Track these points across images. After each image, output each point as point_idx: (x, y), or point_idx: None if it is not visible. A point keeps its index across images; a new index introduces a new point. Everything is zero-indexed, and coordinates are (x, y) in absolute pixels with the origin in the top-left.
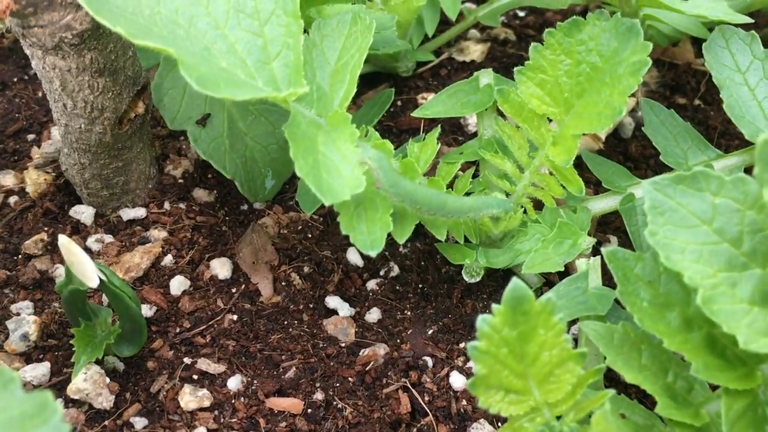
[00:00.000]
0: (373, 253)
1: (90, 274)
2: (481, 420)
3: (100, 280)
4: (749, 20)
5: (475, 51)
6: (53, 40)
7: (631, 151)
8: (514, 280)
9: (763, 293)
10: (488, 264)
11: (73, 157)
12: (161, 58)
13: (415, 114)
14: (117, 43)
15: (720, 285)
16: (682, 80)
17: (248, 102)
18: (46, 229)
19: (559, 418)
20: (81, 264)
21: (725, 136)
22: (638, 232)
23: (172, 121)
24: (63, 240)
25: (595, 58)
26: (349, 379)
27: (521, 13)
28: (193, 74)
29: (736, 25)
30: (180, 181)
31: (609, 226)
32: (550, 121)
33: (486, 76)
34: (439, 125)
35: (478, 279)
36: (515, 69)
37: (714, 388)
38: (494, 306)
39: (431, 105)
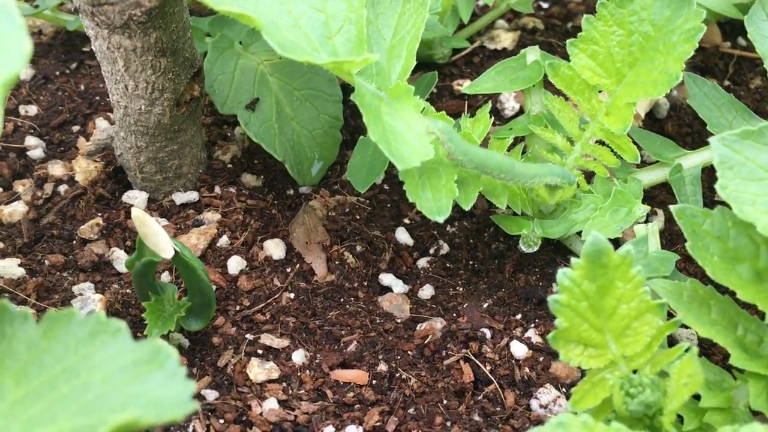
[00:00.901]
0: (440, 219)
1: (165, 245)
2: (547, 385)
3: (174, 251)
4: None
5: (506, 39)
6: (122, 17)
7: (667, 130)
8: (593, 234)
9: None
10: (544, 234)
11: (130, 141)
12: (210, 45)
13: (465, 91)
14: (179, 23)
15: None
16: (710, 62)
17: (293, 87)
18: (100, 214)
19: (635, 372)
20: (155, 235)
21: (757, 115)
22: (688, 200)
23: (223, 105)
24: (137, 212)
25: (648, 27)
26: (409, 352)
27: (545, 5)
28: (275, 39)
29: None
30: (229, 165)
31: (654, 200)
32: (600, 92)
33: (533, 53)
34: (483, 106)
35: (535, 249)
36: (568, 41)
37: None
38: (573, 260)
39: (480, 82)
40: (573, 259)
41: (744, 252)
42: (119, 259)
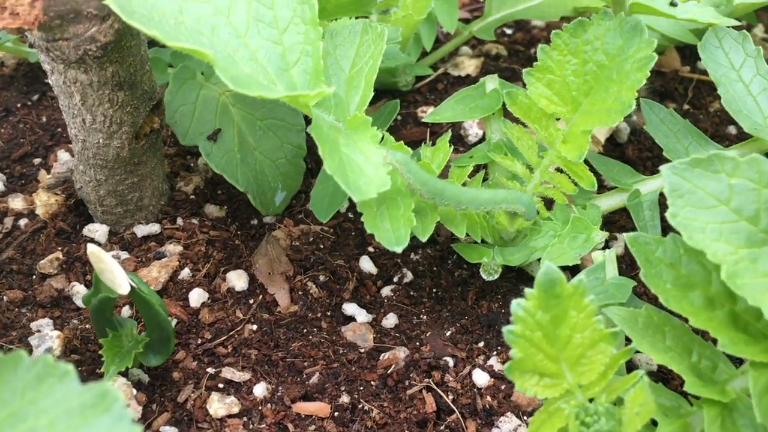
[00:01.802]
0: (398, 249)
1: (120, 281)
2: (508, 414)
3: (131, 286)
4: (737, 23)
5: (469, 65)
6: (77, 52)
7: (628, 155)
8: (546, 264)
9: None
10: (505, 261)
11: (89, 174)
12: (171, 76)
13: (426, 119)
14: (136, 57)
15: (742, 260)
16: (670, 87)
17: (256, 117)
18: (60, 248)
19: (591, 401)
20: (111, 271)
21: (715, 138)
22: (646, 226)
23: (184, 137)
24: (92, 248)
25: (601, 56)
26: (372, 382)
27: (509, 31)
28: (228, 74)
29: None
30: (192, 197)
31: (614, 225)
32: (558, 119)
33: (492, 82)
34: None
35: (496, 276)
36: (524, 71)
37: (737, 365)
38: (527, 290)
39: (440, 111)
40: (526, 290)
41: (696, 279)
42: (79, 293)
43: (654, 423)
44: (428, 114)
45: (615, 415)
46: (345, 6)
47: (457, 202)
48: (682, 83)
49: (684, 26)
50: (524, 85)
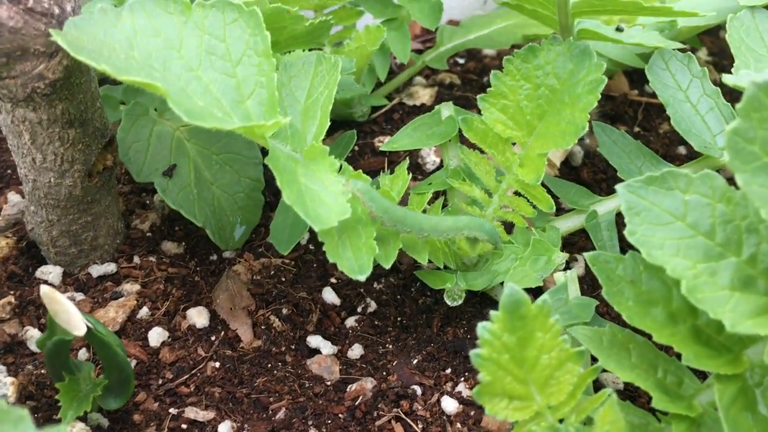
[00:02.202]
0: (362, 278)
1: (77, 322)
2: None
3: (87, 327)
4: (681, 45)
5: (424, 95)
6: (25, 90)
7: (583, 177)
8: (510, 286)
9: (741, 279)
10: (468, 286)
11: (41, 214)
12: (124, 113)
13: (383, 148)
14: (86, 93)
15: (701, 275)
16: (620, 110)
17: (212, 151)
18: (12, 292)
19: (561, 421)
20: (66, 312)
21: (666, 158)
22: (605, 246)
23: (139, 174)
24: (46, 290)
25: (553, 80)
26: (340, 415)
27: (461, 60)
28: (182, 107)
29: None
30: (148, 234)
31: (574, 246)
32: (514, 144)
33: (447, 109)
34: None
35: (460, 302)
36: (478, 97)
37: (701, 380)
38: (492, 312)
39: (397, 139)
40: (492, 312)
41: (657, 295)
42: (33, 338)
43: None
44: (386, 143)
45: None
46: (298, 38)
47: (419, 229)
48: (631, 106)
49: (631, 51)
50: (479, 112)
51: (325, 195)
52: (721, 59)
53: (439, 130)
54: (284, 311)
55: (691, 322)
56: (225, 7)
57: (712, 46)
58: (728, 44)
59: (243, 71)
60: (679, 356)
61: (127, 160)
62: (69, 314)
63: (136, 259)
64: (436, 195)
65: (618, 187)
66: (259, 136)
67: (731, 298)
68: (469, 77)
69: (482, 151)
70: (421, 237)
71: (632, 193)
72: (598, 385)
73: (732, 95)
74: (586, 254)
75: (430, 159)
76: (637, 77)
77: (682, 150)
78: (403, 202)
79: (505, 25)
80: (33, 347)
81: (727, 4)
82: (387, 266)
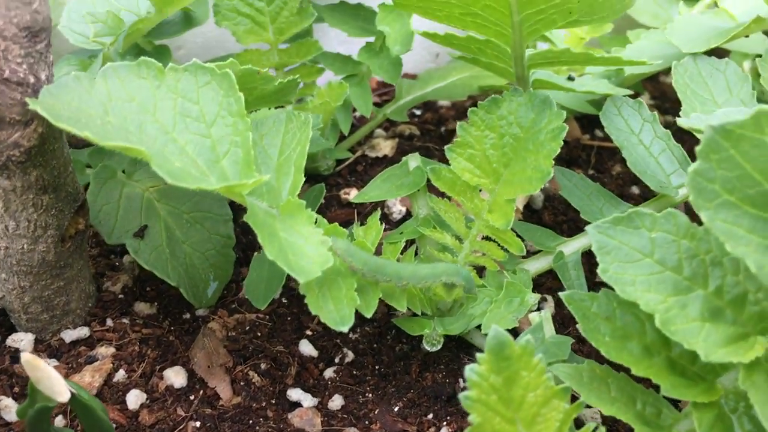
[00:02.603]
0: (344, 329)
1: (60, 389)
2: None
3: (71, 393)
4: (629, 92)
5: (385, 147)
6: (0, 159)
7: (545, 219)
8: (494, 328)
9: (710, 310)
10: (445, 331)
11: (12, 282)
12: (91, 176)
13: (355, 200)
14: (59, 159)
15: (672, 308)
16: (574, 154)
17: (182, 210)
18: None
19: None
20: (48, 379)
21: (622, 198)
22: (573, 284)
23: (110, 236)
24: (27, 357)
25: (516, 129)
26: None
27: (417, 112)
28: (164, 169)
29: None
30: (120, 296)
31: (543, 287)
32: (482, 191)
33: (414, 160)
34: (373, 213)
35: (439, 347)
36: (446, 147)
37: (678, 410)
38: (478, 354)
39: (368, 191)
40: (478, 354)
41: (631, 330)
42: (8, 407)
43: None
44: (357, 195)
45: None
46: (266, 97)
47: (398, 278)
48: (584, 150)
49: (581, 98)
50: (441, 160)
51: (306, 247)
52: (663, 102)
53: (408, 181)
54: (262, 366)
55: (665, 353)
56: (197, 71)
57: (654, 91)
58: (671, 89)
59: (217, 132)
60: (655, 388)
61: (97, 222)
62: (52, 380)
63: (109, 322)
64: (407, 244)
65: (588, 228)
66: (237, 195)
67: (702, 329)
68: (427, 128)
69: (450, 199)
70: (399, 286)
71: (602, 233)
72: (578, 423)
73: (678, 137)
74: (561, 294)
75: (396, 209)
76: (587, 122)
77: (635, 190)
78: (377, 252)
79: (460, 77)
80: (8, 417)
81: (670, 51)
82: (368, 315)
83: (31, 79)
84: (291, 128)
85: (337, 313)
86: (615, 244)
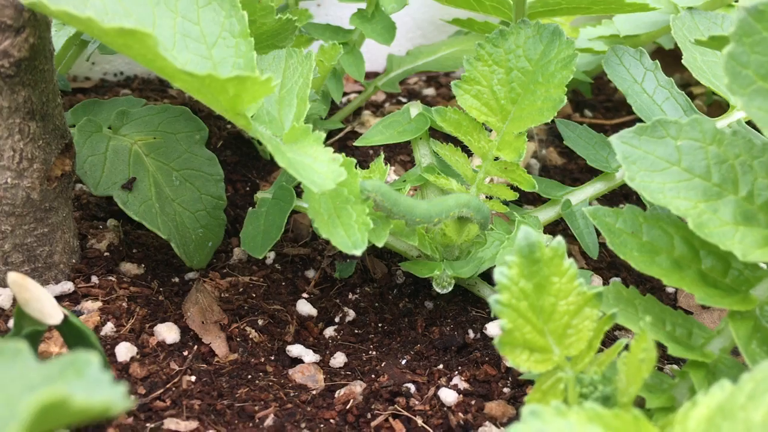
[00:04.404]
0: (357, 252)
1: (51, 310)
2: (486, 423)
3: (63, 315)
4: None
5: (374, 123)
6: None
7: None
8: (524, 229)
9: (742, 214)
10: (455, 274)
11: None
12: (76, 130)
13: (357, 143)
14: (48, 83)
15: (704, 213)
16: None
17: (171, 167)
18: None
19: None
20: (38, 300)
21: None
22: (582, 233)
23: (96, 187)
24: (14, 276)
25: (525, 63)
26: (332, 420)
27: (403, 99)
28: (169, 55)
29: None
30: (106, 254)
31: None
32: (490, 131)
33: (415, 108)
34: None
35: (449, 289)
36: (452, 83)
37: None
38: (508, 257)
39: (370, 135)
40: (507, 257)
41: (659, 244)
42: None
43: (640, 405)
44: (358, 139)
45: (611, 380)
46: (265, 36)
47: (428, 216)
48: None
49: (578, 65)
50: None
51: (315, 165)
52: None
53: (411, 127)
54: (260, 322)
55: (696, 267)
56: None
57: None
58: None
59: (219, 53)
60: (684, 310)
61: (83, 173)
62: (42, 302)
63: (95, 279)
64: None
65: (611, 139)
66: (242, 117)
67: (737, 231)
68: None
69: (456, 144)
70: (428, 223)
71: (625, 143)
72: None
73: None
74: (584, 209)
75: (391, 179)
76: (579, 102)
77: None
78: None
79: (451, 51)
80: None
81: (661, 18)
82: (380, 245)
83: None
84: (292, 63)
85: (348, 237)
86: (640, 154)
